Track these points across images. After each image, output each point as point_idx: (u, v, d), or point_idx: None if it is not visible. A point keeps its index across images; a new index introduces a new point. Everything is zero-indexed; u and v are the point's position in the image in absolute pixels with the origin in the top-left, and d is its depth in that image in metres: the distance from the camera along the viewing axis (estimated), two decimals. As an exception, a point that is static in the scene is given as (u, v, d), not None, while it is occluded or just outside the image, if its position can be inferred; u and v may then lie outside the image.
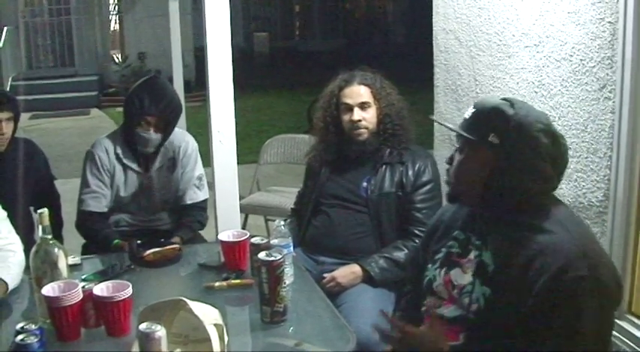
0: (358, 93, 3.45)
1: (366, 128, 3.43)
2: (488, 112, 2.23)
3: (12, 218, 3.26)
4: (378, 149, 3.46)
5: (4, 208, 3.21)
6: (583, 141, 3.10)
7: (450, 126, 2.33)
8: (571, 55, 3.09)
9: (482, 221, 2.31)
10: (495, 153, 2.19)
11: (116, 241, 3.52)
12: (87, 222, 3.77)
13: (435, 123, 4.17)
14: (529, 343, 2.07)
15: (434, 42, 4.14)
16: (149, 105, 3.63)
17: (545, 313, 2.04)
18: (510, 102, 2.24)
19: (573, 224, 2.19)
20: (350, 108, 3.44)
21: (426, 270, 2.48)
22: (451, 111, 3.92)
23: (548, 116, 2.29)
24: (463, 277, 2.29)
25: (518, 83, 3.42)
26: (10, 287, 2.86)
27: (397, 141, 3.45)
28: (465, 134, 2.24)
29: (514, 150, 2.16)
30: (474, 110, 2.27)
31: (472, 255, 2.30)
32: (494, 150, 2.19)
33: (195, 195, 3.90)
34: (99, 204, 3.76)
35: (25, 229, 3.63)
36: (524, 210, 2.20)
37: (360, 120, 3.42)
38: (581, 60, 3.05)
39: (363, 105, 3.43)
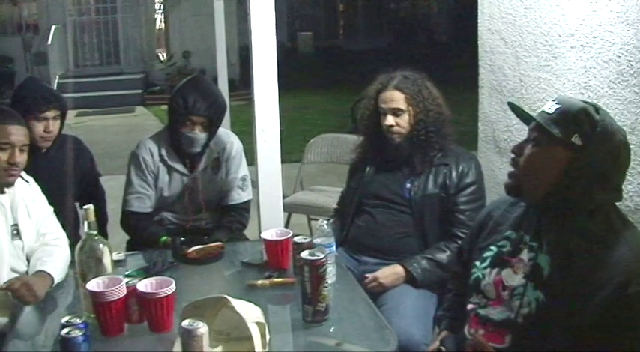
0: (392, 98, 3.42)
1: (399, 133, 3.42)
2: (576, 111, 2.17)
3: (58, 214, 3.31)
4: (412, 154, 3.44)
5: (50, 204, 3.26)
6: (630, 144, 3.05)
7: (535, 116, 2.26)
8: (619, 56, 3.05)
9: (538, 221, 2.28)
10: (574, 155, 2.14)
11: (164, 238, 3.54)
12: (131, 221, 3.80)
13: (480, 125, 4.13)
14: None
15: (479, 42, 4.11)
16: (194, 104, 3.64)
17: (606, 326, 2.01)
18: (594, 107, 2.19)
19: (634, 238, 2.15)
20: (385, 113, 3.44)
21: (472, 268, 2.45)
22: (496, 112, 3.89)
23: None
24: (514, 278, 2.27)
25: (564, 84, 3.38)
26: (56, 281, 2.92)
27: (430, 148, 3.43)
28: (551, 129, 2.17)
29: (595, 155, 2.12)
30: (558, 106, 2.20)
31: (525, 256, 2.26)
32: (573, 152, 2.14)
33: (238, 196, 3.90)
34: (143, 204, 3.79)
35: (71, 225, 3.68)
36: (587, 218, 2.16)
37: (392, 126, 3.41)
38: (629, 61, 3.00)
39: (395, 111, 3.41)
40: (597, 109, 2.18)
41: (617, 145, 2.15)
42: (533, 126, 2.27)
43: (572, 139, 2.14)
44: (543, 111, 2.24)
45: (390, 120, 3.41)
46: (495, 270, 2.35)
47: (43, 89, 3.91)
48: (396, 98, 3.42)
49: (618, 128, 2.18)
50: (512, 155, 2.33)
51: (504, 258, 2.34)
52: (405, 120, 3.42)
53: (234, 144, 3.92)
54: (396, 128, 3.41)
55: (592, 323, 2.03)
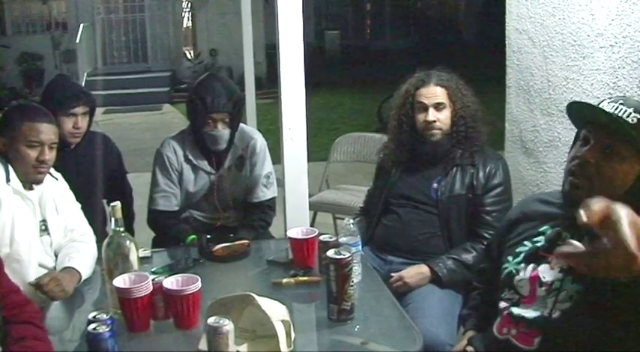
0: (434, 93, 3.42)
1: (440, 129, 3.41)
2: None
3: (86, 210, 3.34)
4: (450, 150, 3.44)
5: (78, 200, 3.28)
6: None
7: (611, 123, 2.13)
8: (649, 56, 3.03)
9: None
10: None
11: (192, 236, 3.54)
12: (158, 220, 3.82)
13: (507, 125, 4.10)
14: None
15: (506, 42, 4.08)
16: (212, 103, 3.65)
17: None
18: None
19: None
20: (425, 108, 3.42)
21: (503, 263, 2.42)
22: (523, 113, 3.86)
23: None
24: (551, 273, 2.23)
25: (592, 84, 3.35)
26: (84, 277, 2.94)
27: (469, 144, 3.42)
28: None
29: None
30: (638, 115, 2.09)
31: None
32: None
33: (263, 193, 3.91)
34: (169, 202, 3.81)
35: (98, 221, 3.71)
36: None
37: (434, 121, 3.40)
38: (659, 61, 2.98)
39: (438, 106, 3.41)
40: None
41: None
42: (606, 134, 2.14)
43: None
44: (620, 118, 2.12)
45: (431, 115, 3.40)
46: (531, 266, 2.31)
47: (73, 86, 3.96)
48: (439, 93, 3.42)
49: None
50: (574, 162, 2.22)
51: (540, 254, 2.31)
52: (446, 116, 3.42)
53: (258, 141, 3.92)
54: (437, 123, 3.41)
55: (633, 313, 1.99)
